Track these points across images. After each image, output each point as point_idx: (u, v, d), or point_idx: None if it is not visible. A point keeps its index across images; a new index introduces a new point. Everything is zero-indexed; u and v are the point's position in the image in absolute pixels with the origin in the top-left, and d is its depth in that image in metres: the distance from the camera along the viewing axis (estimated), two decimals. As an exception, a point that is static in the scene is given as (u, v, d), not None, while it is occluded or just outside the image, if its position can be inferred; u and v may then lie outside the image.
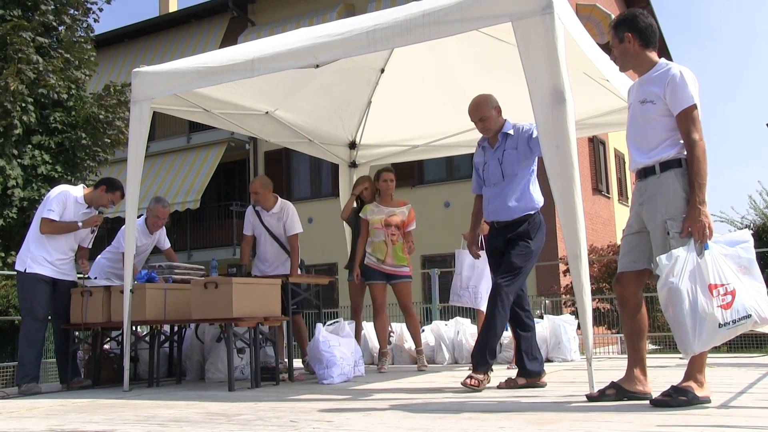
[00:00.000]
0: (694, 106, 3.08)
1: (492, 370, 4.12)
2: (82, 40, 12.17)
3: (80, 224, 5.27)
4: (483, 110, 4.25)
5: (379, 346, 6.05)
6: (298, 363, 5.87)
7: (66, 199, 5.23)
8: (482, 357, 4.01)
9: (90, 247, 5.55)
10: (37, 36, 11.28)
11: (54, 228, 5.19)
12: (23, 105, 10.69)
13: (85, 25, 12.36)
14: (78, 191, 5.36)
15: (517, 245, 4.12)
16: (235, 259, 17.94)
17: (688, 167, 3.09)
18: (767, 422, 2.71)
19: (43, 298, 5.18)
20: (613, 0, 19.25)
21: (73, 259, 5.47)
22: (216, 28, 18.56)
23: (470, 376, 3.95)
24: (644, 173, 3.22)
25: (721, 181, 47.76)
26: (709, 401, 3.04)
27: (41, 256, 5.19)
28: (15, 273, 9.42)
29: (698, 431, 2.49)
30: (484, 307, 5.03)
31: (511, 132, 4.24)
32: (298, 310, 5.77)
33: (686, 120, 3.08)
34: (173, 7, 22.06)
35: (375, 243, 5.82)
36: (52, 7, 11.86)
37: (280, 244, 5.69)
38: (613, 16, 16.13)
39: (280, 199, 5.75)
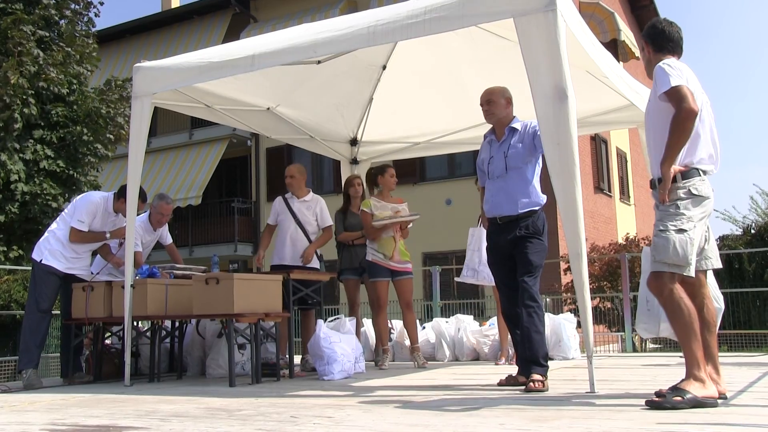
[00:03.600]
0: (673, 88, 3.06)
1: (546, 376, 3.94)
2: (84, 34, 12.17)
3: (108, 235, 5.43)
4: (492, 95, 4.32)
5: (380, 343, 6.05)
6: (299, 359, 5.87)
7: (96, 209, 5.36)
8: (535, 362, 3.91)
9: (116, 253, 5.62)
10: (38, 30, 11.28)
11: (82, 238, 5.34)
12: (24, 98, 10.69)
13: (86, 19, 12.36)
14: (107, 200, 5.46)
15: (530, 242, 4.10)
16: (237, 255, 17.95)
17: (683, 178, 3.13)
18: (767, 420, 2.71)
19: (50, 291, 5.28)
20: (616, -2, 19.21)
21: (89, 257, 5.56)
22: (218, 25, 18.55)
23: (533, 380, 3.82)
24: (651, 184, 3.30)
25: (723, 179, 47.73)
26: (713, 402, 2.96)
27: (58, 251, 5.31)
28: (17, 268, 9.54)
29: (699, 429, 2.49)
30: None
31: (517, 127, 4.26)
32: (311, 306, 5.76)
33: (671, 98, 3.09)
34: (175, 3, 22.02)
35: (383, 239, 5.79)
36: (54, 1, 11.86)
37: (304, 232, 5.73)
38: (616, 14, 16.14)
39: (311, 191, 5.88)
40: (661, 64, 3.19)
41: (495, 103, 4.29)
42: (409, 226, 5.94)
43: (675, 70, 3.13)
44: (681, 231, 3.07)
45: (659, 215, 3.15)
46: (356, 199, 6.14)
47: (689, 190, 3.12)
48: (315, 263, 5.78)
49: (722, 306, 3.70)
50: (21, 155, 10.87)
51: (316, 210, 5.81)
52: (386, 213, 5.80)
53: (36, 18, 11.25)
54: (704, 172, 3.18)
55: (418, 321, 6.70)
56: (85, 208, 5.32)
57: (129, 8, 51.43)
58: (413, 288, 5.98)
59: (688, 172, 3.14)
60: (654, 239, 3.12)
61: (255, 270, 5.83)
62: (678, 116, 3.06)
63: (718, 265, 3.43)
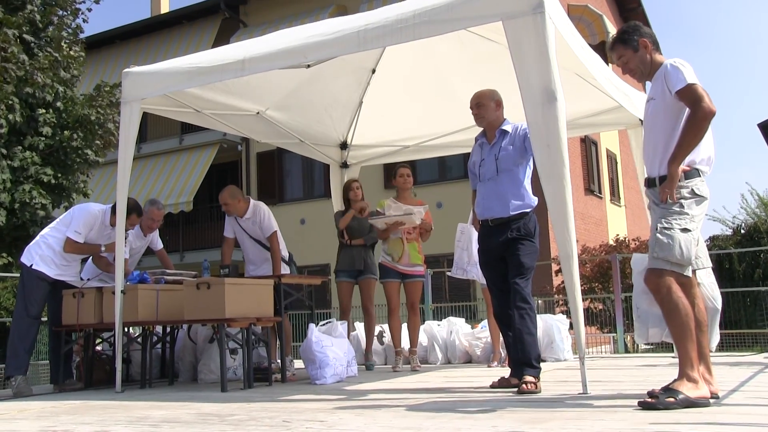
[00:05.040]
0: (689, 86, 3.04)
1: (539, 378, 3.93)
2: (71, 39, 12.11)
3: (103, 248, 5.41)
4: (482, 99, 4.34)
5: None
6: (297, 363, 5.85)
7: (94, 222, 5.34)
8: (527, 363, 3.92)
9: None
10: (24, 35, 11.21)
11: (77, 249, 5.33)
12: (9, 103, 10.61)
13: (74, 25, 12.31)
14: (105, 213, 5.42)
15: (522, 244, 4.11)
16: (227, 260, 17.88)
17: (686, 178, 3.13)
18: (759, 419, 2.73)
19: (39, 296, 5.24)
20: (604, 0, 19.32)
21: (78, 264, 5.54)
22: (208, 30, 18.51)
23: (525, 382, 3.81)
24: (648, 183, 3.29)
25: (713, 181, 48.11)
26: (706, 402, 2.97)
27: (49, 257, 5.28)
28: (5, 275, 9.46)
29: (691, 429, 2.50)
30: None
31: (508, 129, 4.27)
32: (286, 309, 5.74)
33: (686, 96, 3.06)
34: (165, 8, 21.99)
35: (391, 240, 5.82)
36: (39, 6, 11.79)
37: (262, 245, 5.66)
38: (604, 17, 16.22)
39: (251, 201, 5.62)
40: (672, 62, 3.16)
41: (485, 106, 4.31)
42: (431, 231, 5.91)
43: (686, 68, 3.10)
44: (686, 230, 3.06)
45: (661, 213, 3.12)
46: (356, 203, 6.10)
47: (692, 189, 3.12)
48: (284, 268, 5.64)
49: (719, 307, 3.71)
50: (8, 162, 10.79)
51: (259, 222, 5.57)
52: (398, 214, 5.78)
53: (21, 21, 11.17)
54: (703, 173, 3.20)
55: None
56: (83, 219, 5.29)
57: (118, 14, 51.34)
58: (421, 291, 6.05)
59: (690, 172, 3.14)
60: (657, 236, 3.07)
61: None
62: (695, 116, 3.02)
63: (708, 264, 3.44)
